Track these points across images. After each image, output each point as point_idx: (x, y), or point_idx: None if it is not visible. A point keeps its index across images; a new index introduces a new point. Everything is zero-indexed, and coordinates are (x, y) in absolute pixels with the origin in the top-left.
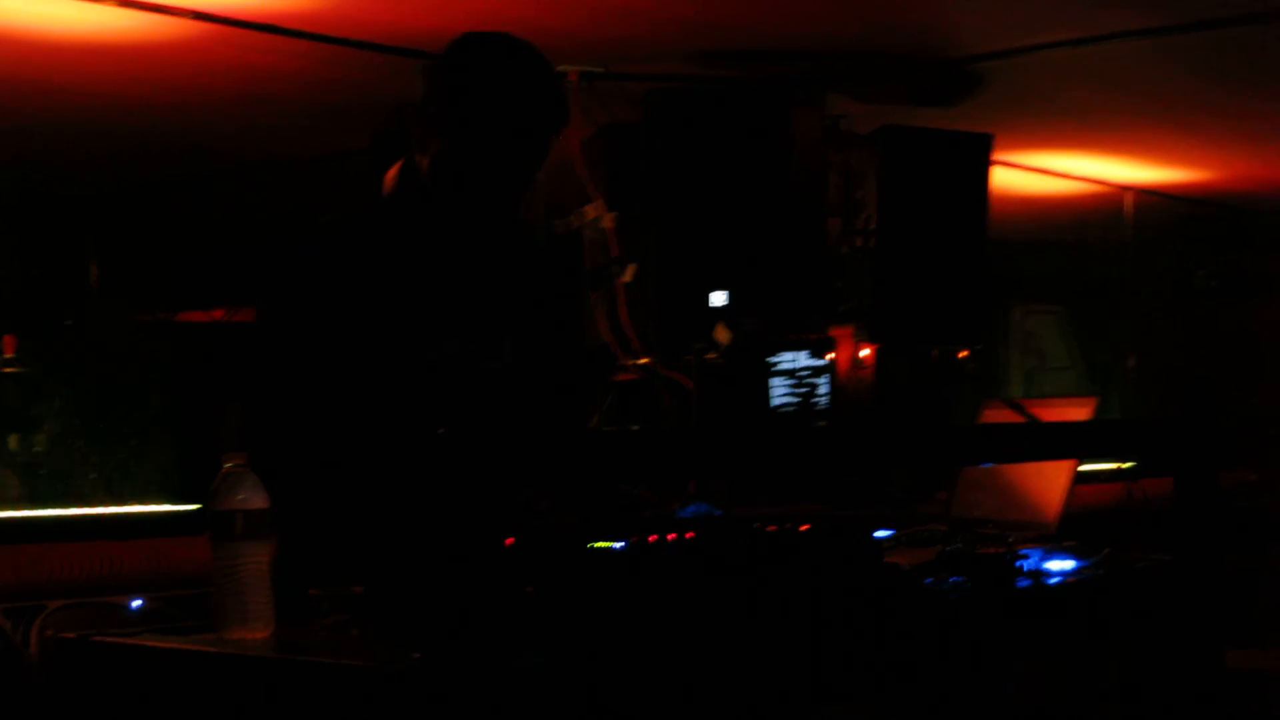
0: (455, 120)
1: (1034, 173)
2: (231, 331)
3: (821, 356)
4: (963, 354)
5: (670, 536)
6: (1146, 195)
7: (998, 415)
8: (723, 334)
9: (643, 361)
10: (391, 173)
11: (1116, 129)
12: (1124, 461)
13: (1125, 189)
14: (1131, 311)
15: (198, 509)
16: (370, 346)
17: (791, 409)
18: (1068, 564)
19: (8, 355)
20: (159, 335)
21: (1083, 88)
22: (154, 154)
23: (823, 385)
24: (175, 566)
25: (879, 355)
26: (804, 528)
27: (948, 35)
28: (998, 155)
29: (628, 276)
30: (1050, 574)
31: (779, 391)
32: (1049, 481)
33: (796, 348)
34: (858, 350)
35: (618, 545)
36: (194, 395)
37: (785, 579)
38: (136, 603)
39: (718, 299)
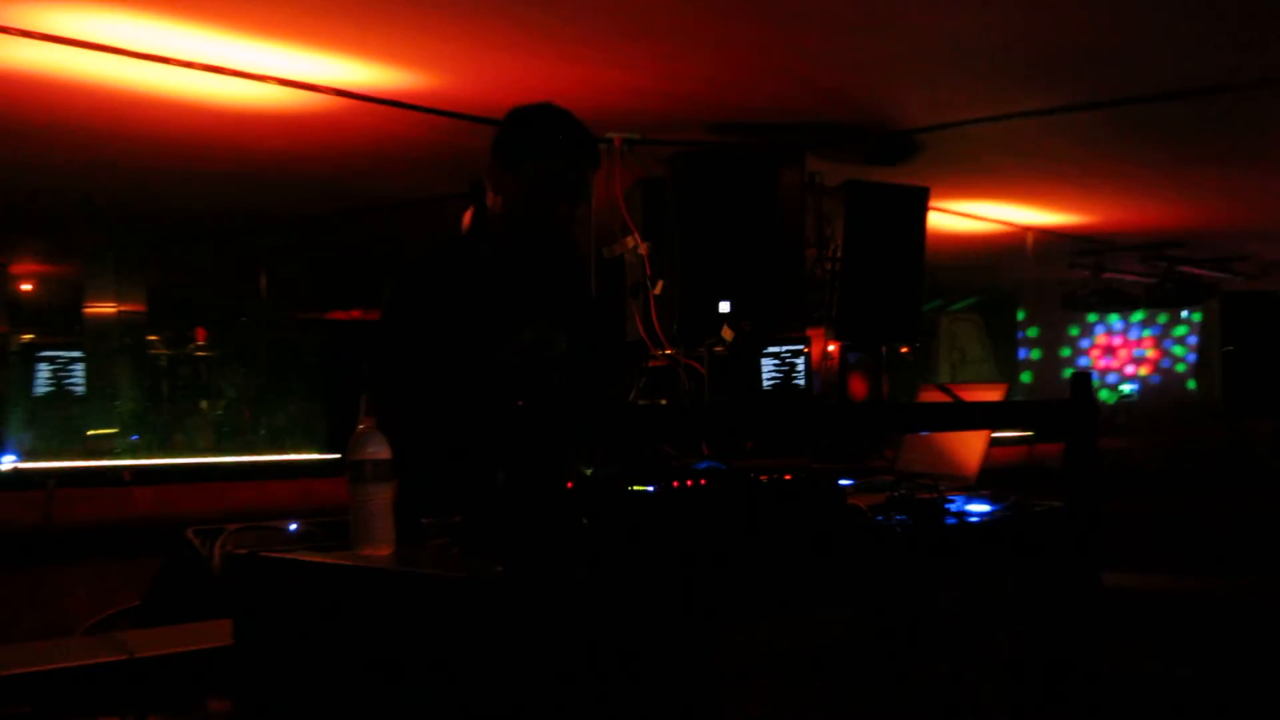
0: (514, 173)
1: (960, 216)
2: (363, 327)
3: (799, 349)
4: (904, 350)
5: (689, 483)
6: (1042, 233)
7: (932, 396)
8: (727, 333)
9: (668, 352)
10: (467, 215)
11: (1022, 184)
12: (1026, 431)
13: (1027, 229)
14: (1034, 320)
15: (337, 458)
16: (459, 339)
17: (777, 384)
18: (984, 507)
19: (199, 343)
20: (310, 329)
21: (997, 152)
22: (307, 195)
23: (800, 366)
24: (321, 499)
25: (841, 351)
26: (788, 477)
27: (897, 112)
28: (933, 203)
29: (658, 290)
30: (970, 514)
31: (767, 373)
32: (970, 446)
33: (781, 343)
34: (826, 346)
35: (650, 489)
36: (336, 372)
37: (775, 515)
38: (293, 526)
39: (724, 307)
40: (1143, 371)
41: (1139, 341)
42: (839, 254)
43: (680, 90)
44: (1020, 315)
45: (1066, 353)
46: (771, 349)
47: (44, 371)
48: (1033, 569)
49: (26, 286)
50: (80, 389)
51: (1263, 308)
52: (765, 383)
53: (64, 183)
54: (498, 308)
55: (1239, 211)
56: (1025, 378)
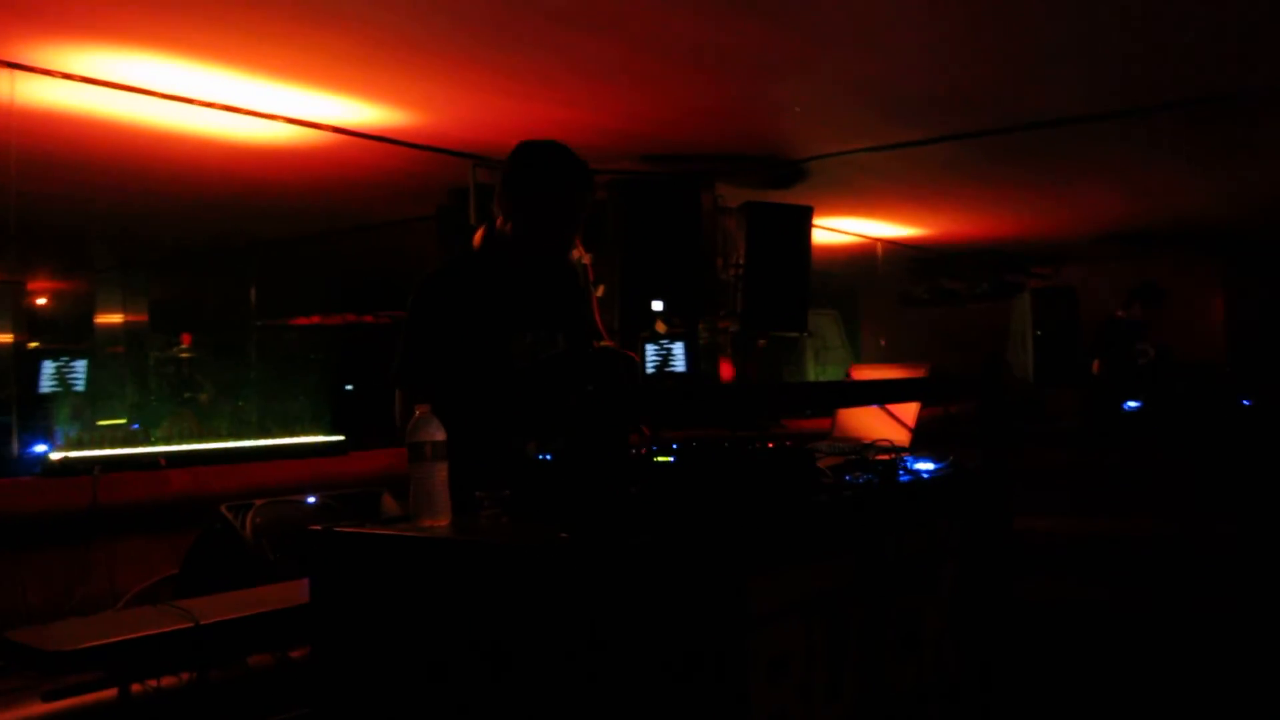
0: (523, 203)
1: (827, 230)
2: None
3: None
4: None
5: (704, 454)
6: (889, 243)
7: (863, 374)
8: (661, 326)
9: (607, 344)
10: (479, 234)
11: (880, 203)
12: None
13: (877, 239)
14: (879, 314)
15: (341, 439)
16: (473, 337)
17: (657, 367)
18: (930, 465)
19: (184, 345)
20: (289, 333)
21: (866, 177)
22: (296, 219)
23: (676, 353)
24: (329, 476)
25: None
26: (770, 445)
27: (790, 144)
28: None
29: (600, 292)
30: (922, 472)
31: (650, 360)
32: (903, 415)
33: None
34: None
35: (672, 459)
36: (337, 365)
37: (771, 478)
38: (311, 499)
39: (657, 305)
40: None
41: None
42: (741, 261)
43: (616, 126)
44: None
45: None
46: (647, 337)
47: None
48: (967, 515)
49: (41, 301)
50: (79, 386)
51: (1061, 299)
52: (648, 368)
53: (80, 207)
54: (505, 312)
55: (1043, 225)
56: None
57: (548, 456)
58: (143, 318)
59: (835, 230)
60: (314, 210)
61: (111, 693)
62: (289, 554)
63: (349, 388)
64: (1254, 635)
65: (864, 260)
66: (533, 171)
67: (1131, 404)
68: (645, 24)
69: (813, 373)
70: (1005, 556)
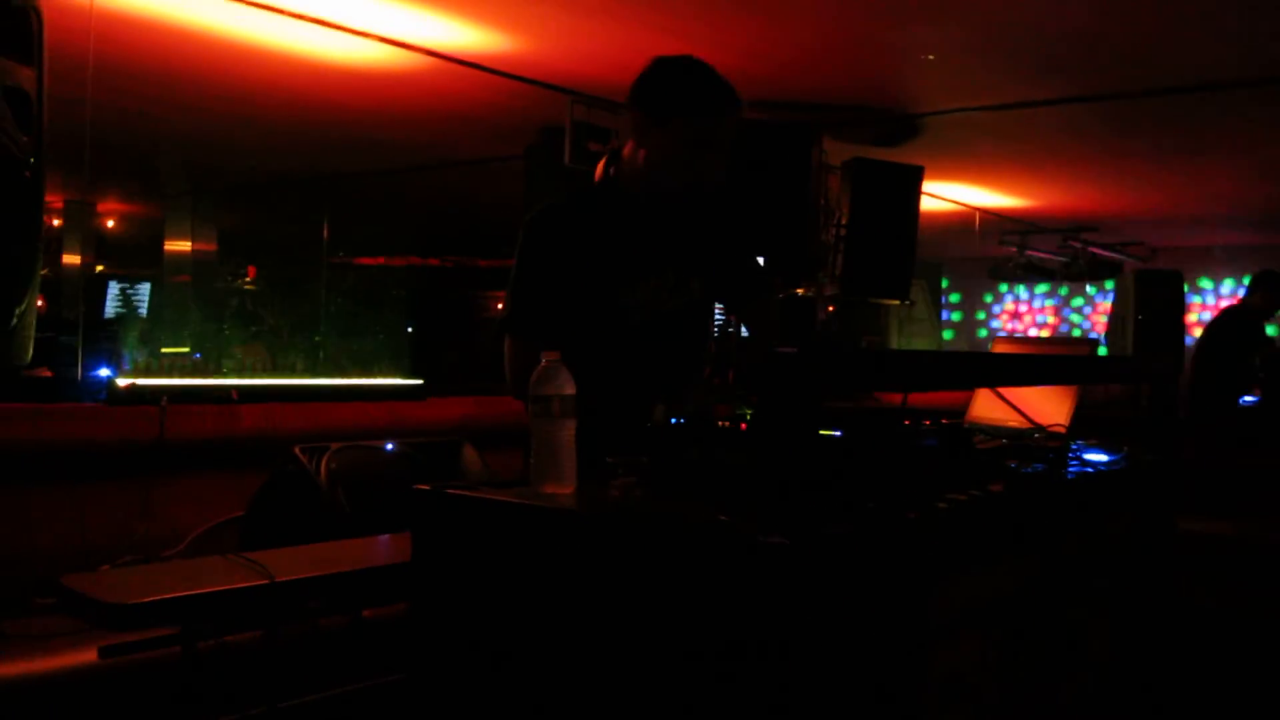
0: (662, 128)
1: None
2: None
3: None
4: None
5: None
6: (986, 213)
7: (1002, 348)
8: None
9: None
10: (600, 165)
11: (985, 168)
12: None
13: (975, 209)
14: (965, 288)
15: (419, 383)
16: (584, 281)
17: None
18: (1103, 457)
19: (250, 277)
20: (353, 271)
21: (982, 139)
22: (377, 152)
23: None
24: (407, 421)
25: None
26: (926, 423)
27: (904, 97)
28: None
29: None
30: (1094, 464)
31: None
32: (1061, 397)
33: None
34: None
35: (837, 433)
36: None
37: (941, 464)
38: (389, 446)
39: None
40: (1044, 334)
41: (1041, 309)
42: (844, 221)
43: (729, 62)
44: (944, 283)
45: (981, 315)
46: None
47: (113, 292)
48: (1140, 513)
49: (110, 223)
50: (143, 310)
51: (1165, 284)
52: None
53: (154, 126)
54: (630, 254)
55: (1150, 202)
56: (948, 335)
57: (679, 420)
58: (212, 247)
59: (934, 196)
60: (394, 144)
61: (173, 649)
62: (365, 504)
63: (410, 329)
64: None
65: (960, 230)
66: (676, 90)
67: (1248, 399)
68: None
69: (897, 343)
70: (1172, 561)
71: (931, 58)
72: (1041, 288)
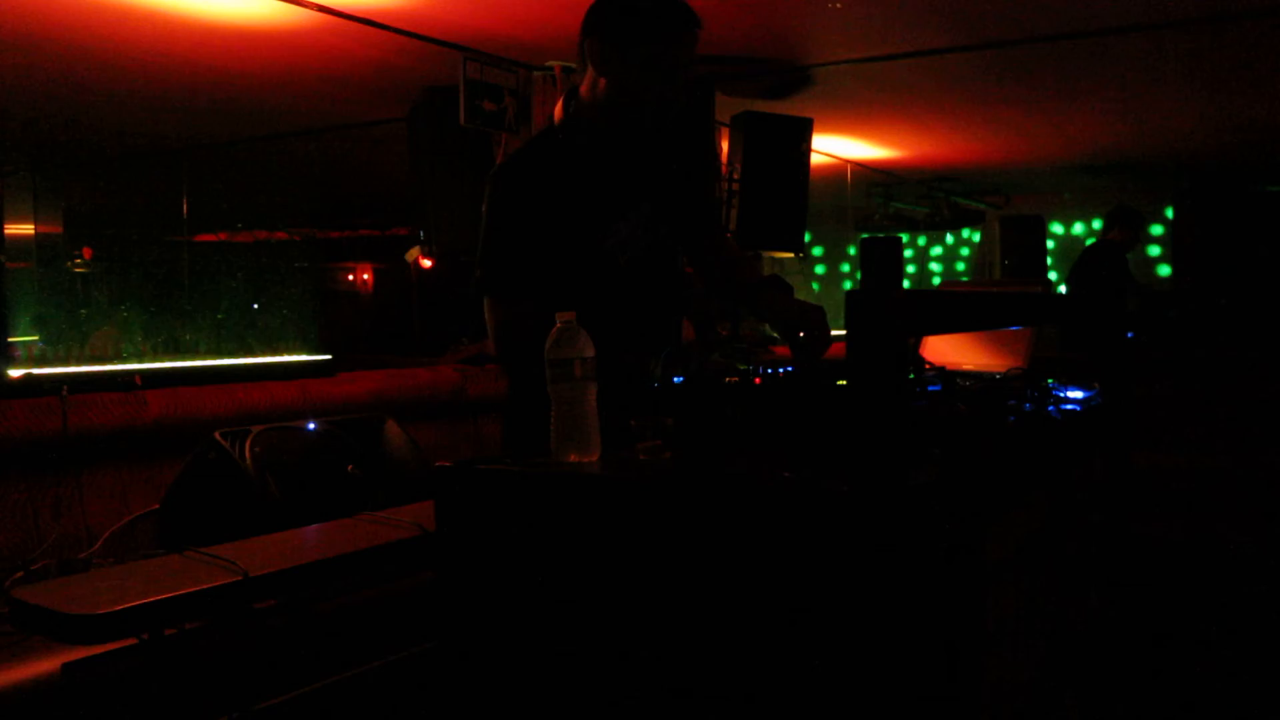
0: (621, 57)
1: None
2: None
3: None
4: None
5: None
6: (858, 166)
7: (951, 286)
8: None
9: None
10: (558, 105)
11: (866, 120)
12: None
13: (847, 161)
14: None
15: (328, 358)
16: (569, 225)
17: None
18: (1079, 394)
19: (86, 258)
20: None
21: (863, 90)
22: (239, 117)
23: None
24: (320, 399)
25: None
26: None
27: (795, 48)
28: None
29: None
30: (1071, 400)
31: None
32: (1017, 337)
33: None
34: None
35: None
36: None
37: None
38: (311, 425)
39: None
40: (908, 284)
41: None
42: (736, 175)
43: None
44: (806, 236)
45: (846, 268)
46: None
47: None
48: (1111, 447)
49: None
50: None
51: (1029, 228)
52: None
53: None
54: (601, 193)
55: (1018, 149)
56: (815, 286)
57: (678, 380)
58: (57, 229)
59: (814, 150)
60: (267, 109)
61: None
62: (295, 488)
63: (255, 306)
64: None
65: (833, 183)
66: (637, 14)
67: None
68: None
69: None
70: (1133, 494)
71: (839, 4)
72: (922, 239)
